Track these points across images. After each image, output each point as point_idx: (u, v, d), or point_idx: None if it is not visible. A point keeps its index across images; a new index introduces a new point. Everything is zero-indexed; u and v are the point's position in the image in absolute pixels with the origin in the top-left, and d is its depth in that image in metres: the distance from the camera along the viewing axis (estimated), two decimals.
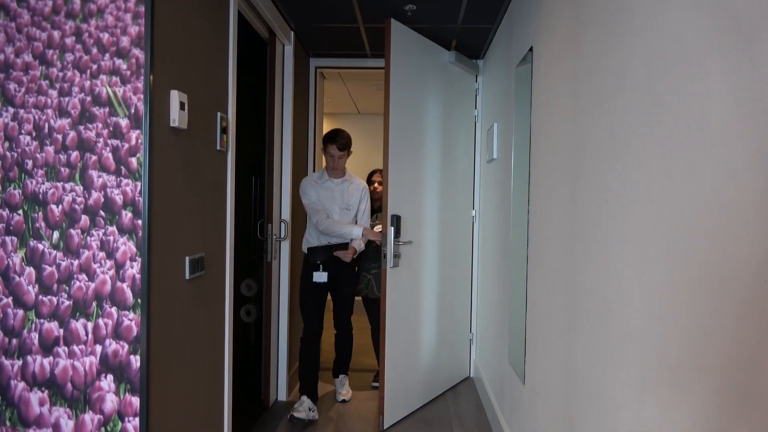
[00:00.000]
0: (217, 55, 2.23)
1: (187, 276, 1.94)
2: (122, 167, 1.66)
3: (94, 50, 1.66)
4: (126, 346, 1.66)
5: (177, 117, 1.80)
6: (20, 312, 1.66)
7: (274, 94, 3.39)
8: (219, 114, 2.22)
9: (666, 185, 1.15)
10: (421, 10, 3.13)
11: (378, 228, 3.56)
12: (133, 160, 1.66)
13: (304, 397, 3.22)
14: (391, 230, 3.09)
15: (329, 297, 3.54)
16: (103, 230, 1.66)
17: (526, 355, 2.39)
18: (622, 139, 1.39)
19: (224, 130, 2.27)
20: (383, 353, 3.13)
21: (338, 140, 3.35)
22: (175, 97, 1.79)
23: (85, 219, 1.66)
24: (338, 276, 3.41)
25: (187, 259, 1.94)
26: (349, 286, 3.51)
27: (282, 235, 3.52)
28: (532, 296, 2.32)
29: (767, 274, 0.83)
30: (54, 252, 1.66)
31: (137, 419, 1.66)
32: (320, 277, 3.34)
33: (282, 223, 3.52)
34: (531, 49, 2.44)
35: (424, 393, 3.55)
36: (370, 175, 3.97)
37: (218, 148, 2.23)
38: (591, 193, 1.62)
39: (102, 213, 1.66)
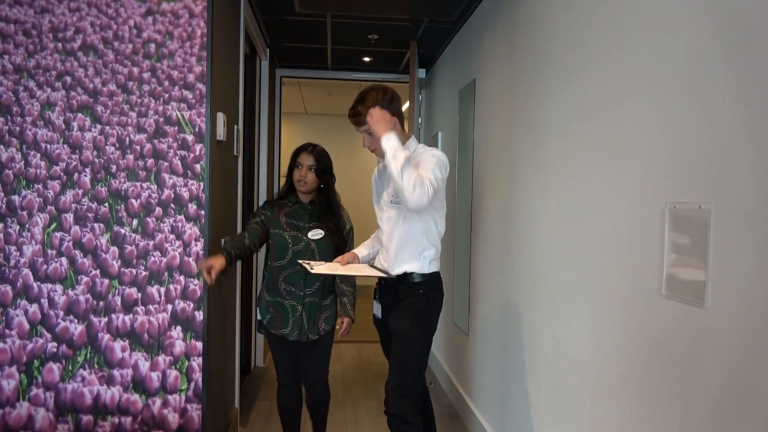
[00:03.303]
0: (233, 80, 2.79)
1: None
2: (189, 171, 2.22)
3: (166, 83, 2.20)
4: (192, 305, 2.22)
5: (222, 132, 2.37)
6: (106, 281, 2.18)
7: (254, 102, 3.94)
8: (236, 126, 2.79)
9: (569, 189, 1.92)
10: (382, 39, 3.80)
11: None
12: (197, 166, 2.22)
13: None
14: None
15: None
16: (173, 218, 2.21)
17: (470, 312, 3.16)
18: (543, 160, 2.15)
19: (238, 139, 2.84)
20: None
21: (350, 114, 2.08)
22: (221, 118, 2.37)
23: (158, 210, 2.21)
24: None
25: (222, 240, 2.51)
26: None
27: None
28: (475, 266, 3.09)
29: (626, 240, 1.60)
30: (134, 235, 2.19)
31: (200, 358, 2.23)
32: (378, 308, 2.20)
33: None
34: (474, 81, 3.19)
35: None
36: (295, 155, 2.40)
37: (234, 153, 2.80)
38: (521, 191, 2.39)
39: (172, 205, 2.21)
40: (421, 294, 2.07)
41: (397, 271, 2.06)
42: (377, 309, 2.20)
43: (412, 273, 2.06)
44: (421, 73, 4.38)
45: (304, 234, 2.36)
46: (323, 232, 2.37)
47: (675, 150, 1.33)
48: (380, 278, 2.12)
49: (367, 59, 4.35)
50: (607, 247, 1.65)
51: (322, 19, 3.47)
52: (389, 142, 1.91)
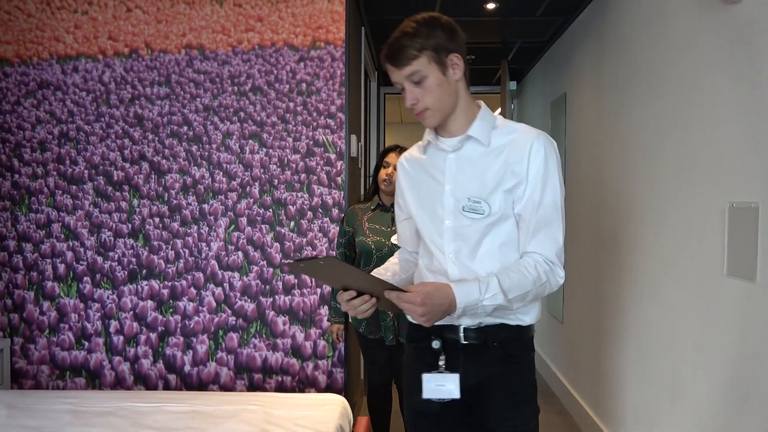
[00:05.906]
0: (359, 105, 3.36)
1: None
2: (332, 183, 2.79)
3: (314, 114, 2.80)
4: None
5: (354, 150, 2.94)
6: (271, 269, 2.81)
7: (366, 117, 4.52)
8: (360, 144, 3.35)
9: (651, 191, 2.28)
10: (479, 58, 4.25)
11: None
12: (339, 178, 2.79)
13: None
14: None
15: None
16: (320, 220, 2.80)
17: (564, 301, 3.53)
18: (628, 167, 2.52)
19: (362, 154, 3.40)
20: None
21: (387, 51, 1.32)
22: (354, 139, 2.93)
23: (309, 214, 2.80)
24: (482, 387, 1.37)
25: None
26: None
27: None
28: (568, 261, 3.45)
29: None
30: (291, 233, 2.80)
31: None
32: (443, 385, 1.34)
33: None
34: (565, 94, 3.56)
35: None
36: (383, 155, 2.47)
37: (359, 166, 3.37)
38: (610, 193, 2.75)
39: (320, 210, 2.80)
40: (532, 359, 1.35)
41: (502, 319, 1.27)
42: (451, 387, 1.29)
43: (529, 326, 1.33)
44: (513, 85, 4.78)
45: (387, 239, 2.35)
46: None
47: (734, 160, 1.69)
48: (461, 334, 1.30)
49: None
50: (682, 238, 2.01)
51: None
52: (466, 303, 1.20)
